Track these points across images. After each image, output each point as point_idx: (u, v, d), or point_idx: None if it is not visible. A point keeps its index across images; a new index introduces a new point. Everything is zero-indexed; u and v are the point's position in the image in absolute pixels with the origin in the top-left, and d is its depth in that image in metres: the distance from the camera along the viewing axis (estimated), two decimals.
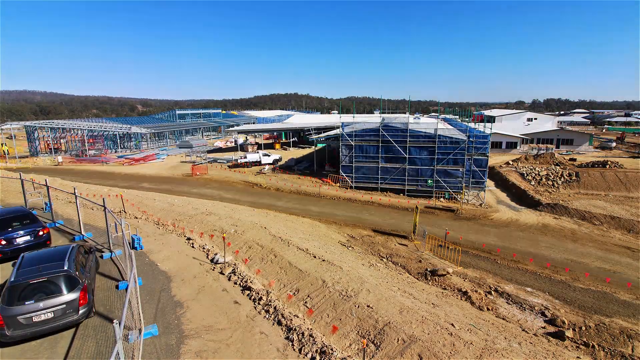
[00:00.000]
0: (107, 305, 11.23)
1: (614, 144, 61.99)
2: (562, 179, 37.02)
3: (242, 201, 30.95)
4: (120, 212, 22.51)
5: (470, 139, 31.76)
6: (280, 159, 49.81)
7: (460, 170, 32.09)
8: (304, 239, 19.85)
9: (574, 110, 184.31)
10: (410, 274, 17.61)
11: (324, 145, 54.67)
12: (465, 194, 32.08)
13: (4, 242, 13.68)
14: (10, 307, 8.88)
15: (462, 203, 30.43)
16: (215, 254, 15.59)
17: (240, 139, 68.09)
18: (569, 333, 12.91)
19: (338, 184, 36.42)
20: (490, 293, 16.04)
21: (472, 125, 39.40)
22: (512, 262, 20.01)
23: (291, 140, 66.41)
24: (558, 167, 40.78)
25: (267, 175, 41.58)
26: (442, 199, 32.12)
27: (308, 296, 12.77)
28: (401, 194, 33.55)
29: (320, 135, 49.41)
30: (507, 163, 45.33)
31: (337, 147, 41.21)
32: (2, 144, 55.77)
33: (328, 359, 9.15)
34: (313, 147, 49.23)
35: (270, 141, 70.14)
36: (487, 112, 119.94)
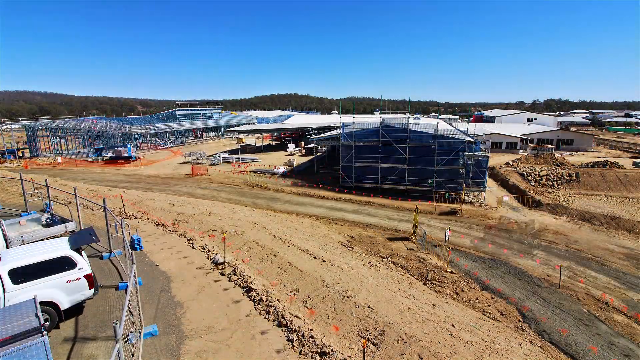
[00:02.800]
0: (107, 306, 11.24)
1: None
2: (562, 179, 37.03)
3: (241, 201, 30.94)
4: (120, 212, 22.50)
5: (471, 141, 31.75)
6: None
7: (461, 170, 32.08)
8: (304, 239, 19.85)
9: (574, 111, 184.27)
10: (411, 275, 17.61)
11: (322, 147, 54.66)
12: (466, 194, 32.07)
13: None
14: None
15: (462, 203, 30.43)
16: (216, 255, 15.59)
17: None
18: None
19: (338, 185, 36.42)
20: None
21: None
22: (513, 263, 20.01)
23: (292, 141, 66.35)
24: (558, 167, 40.78)
25: (268, 175, 41.60)
26: (442, 200, 32.11)
27: (308, 296, 12.76)
28: (401, 194, 33.55)
29: (320, 136, 49.39)
30: (507, 163, 45.32)
31: (337, 148, 41.23)
32: None
33: (328, 359, 9.15)
34: (311, 145, 49.05)
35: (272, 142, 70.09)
36: (487, 113, 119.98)
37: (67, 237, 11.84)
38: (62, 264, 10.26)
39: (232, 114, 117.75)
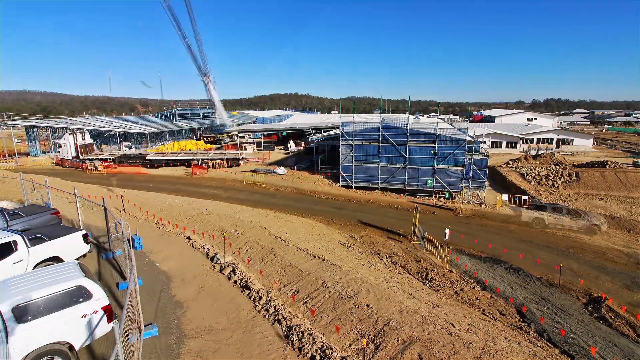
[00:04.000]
0: None
1: None
2: (562, 179, 37.01)
3: (241, 200, 30.94)
4: (120, 212, 22.52)
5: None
6: None
7: (460, 170, 32.08)
8: (303, 239, 19.86)
9: (574, 110, 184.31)
10: (410, 274, 17.62)
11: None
12: (465, 193, 32.07)
13: None
14: None
15: (462, 203, 30.43)
16: (215, 254, 15.60)
17: None
18: None
19: (338, 184, 36.45)
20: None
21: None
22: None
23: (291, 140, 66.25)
24: (558, 167, 40.76)
25: (268, 175, 41.62)
26: (442, 199, 32.12)
27: (308, 296, 12.77)
28: (401, 194, 33.56)
29: (320, 135, 49.37)
30: (507, 163, 45.29)
31: (336, 147, 41.23)
32: None
33: (328, 359, 9.15)
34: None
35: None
36: (487, 112, 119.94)
37: (77, 262, 10.41)
38: (75, 296, 8.55)
39: (232, 113, 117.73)
